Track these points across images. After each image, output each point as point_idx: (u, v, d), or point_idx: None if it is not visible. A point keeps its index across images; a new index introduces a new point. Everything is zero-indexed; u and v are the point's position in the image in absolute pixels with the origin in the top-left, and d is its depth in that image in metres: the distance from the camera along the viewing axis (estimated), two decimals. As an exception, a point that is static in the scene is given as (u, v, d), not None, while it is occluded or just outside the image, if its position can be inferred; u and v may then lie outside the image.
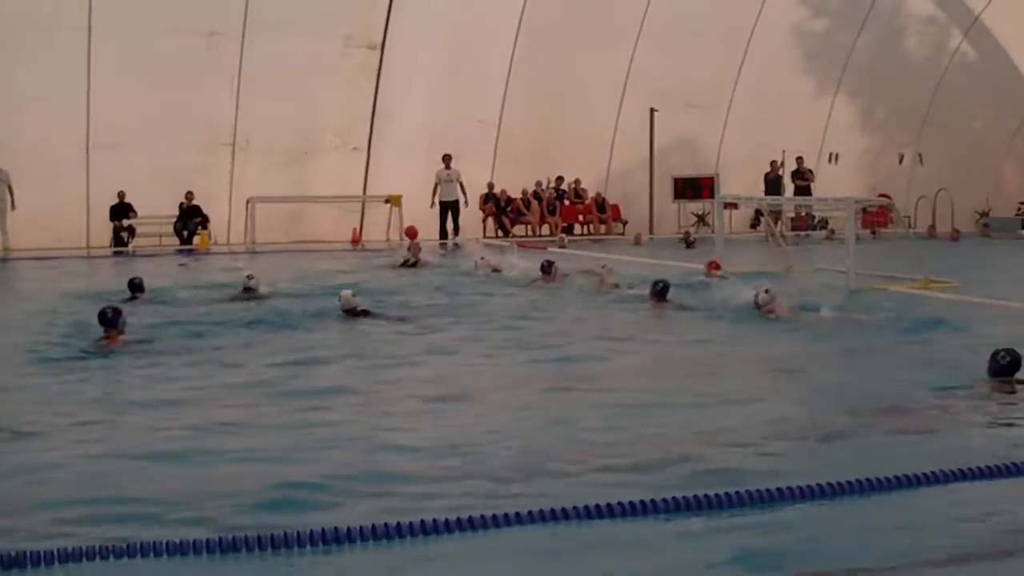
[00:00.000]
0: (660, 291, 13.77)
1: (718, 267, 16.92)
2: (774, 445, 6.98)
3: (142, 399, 8.45)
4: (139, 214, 26.00)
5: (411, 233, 23.40)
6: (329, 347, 11.11)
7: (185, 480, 6.24)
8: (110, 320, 10.21)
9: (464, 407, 8.34)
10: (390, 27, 26.61)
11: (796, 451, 6.98)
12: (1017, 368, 8.28)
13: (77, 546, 4.89)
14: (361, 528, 5.08)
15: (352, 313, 12.65)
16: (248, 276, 14.96)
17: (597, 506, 5.38)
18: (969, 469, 5.97)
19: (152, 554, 4.87)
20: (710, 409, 8.11)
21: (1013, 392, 8.12)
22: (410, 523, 5.13)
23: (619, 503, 5.40)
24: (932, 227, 29.39)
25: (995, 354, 8.38)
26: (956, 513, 5.57)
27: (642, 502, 5.42)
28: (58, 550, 4.84)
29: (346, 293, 12.91)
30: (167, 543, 4.92)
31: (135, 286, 14.59)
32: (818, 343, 11.23)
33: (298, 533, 5.02)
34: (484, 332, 12.05)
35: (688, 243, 24.69)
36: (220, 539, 4.97)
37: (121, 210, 25.85)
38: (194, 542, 4.93)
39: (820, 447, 7.11)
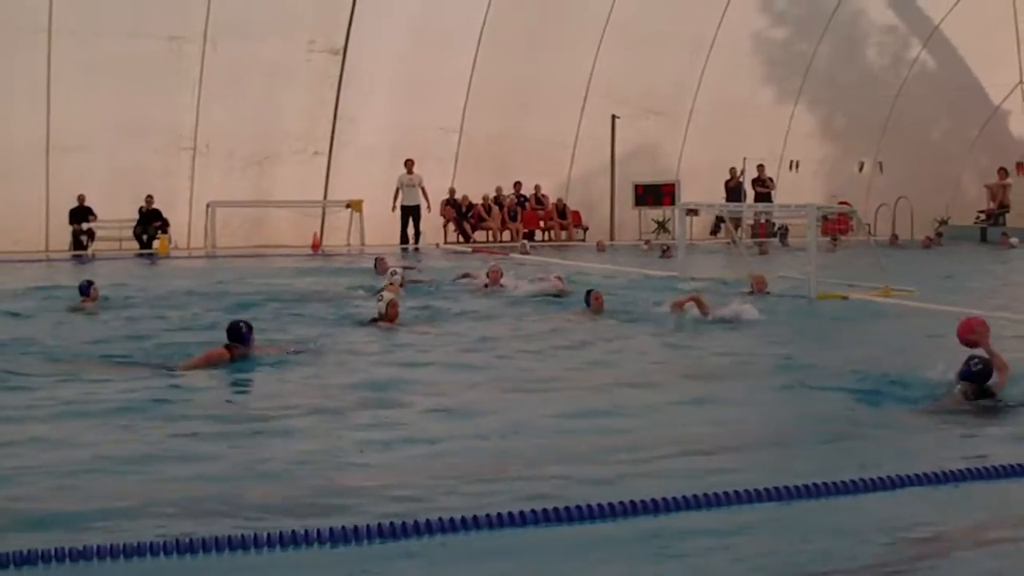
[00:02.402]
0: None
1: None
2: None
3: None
4: (99, 217, 25.80)
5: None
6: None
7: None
8: (244, 336, 10.20)
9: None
10: (352, 32, 26.54)
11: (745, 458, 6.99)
12: (987, 377, 8.01)
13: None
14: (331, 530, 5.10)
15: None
16: (392, 272, 15.64)
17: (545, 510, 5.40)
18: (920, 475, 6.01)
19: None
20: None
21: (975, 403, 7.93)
22: (367, 526, 5.15)
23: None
24: (895, 235, 29.55)
25: (969, 359, 8.08)
26: (892, 522, 5.58)
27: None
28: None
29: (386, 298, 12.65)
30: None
31: (84, 289, 14.54)
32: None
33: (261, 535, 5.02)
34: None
35: (664, 252, 24.28)
36: (177, 541, 4.97)
37: (81, 213, 25.63)
38: (151, 544, 4.92)
39: (772, 452, 7.13)
